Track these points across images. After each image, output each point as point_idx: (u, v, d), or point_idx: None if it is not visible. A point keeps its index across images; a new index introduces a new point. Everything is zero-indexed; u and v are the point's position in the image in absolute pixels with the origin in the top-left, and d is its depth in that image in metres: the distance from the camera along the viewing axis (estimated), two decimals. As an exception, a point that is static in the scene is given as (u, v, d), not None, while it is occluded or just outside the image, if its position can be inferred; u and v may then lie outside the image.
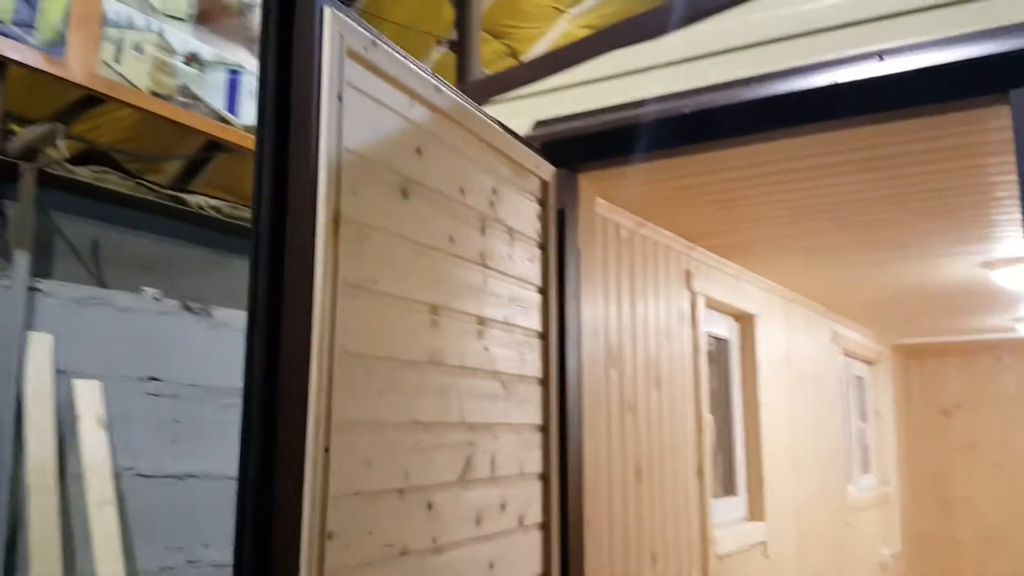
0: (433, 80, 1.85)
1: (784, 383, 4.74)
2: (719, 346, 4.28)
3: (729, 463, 4.19)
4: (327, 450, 1.46)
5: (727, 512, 3.99)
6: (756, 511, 4.21)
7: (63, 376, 3.40)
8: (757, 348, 4.39)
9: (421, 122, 1.81)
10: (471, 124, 2.00)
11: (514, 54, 8.29)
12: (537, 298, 2.29)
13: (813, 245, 3.79)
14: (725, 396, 4.26)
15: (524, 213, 2.26)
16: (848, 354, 6.25)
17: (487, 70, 7.01)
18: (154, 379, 3.78)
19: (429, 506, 1.75)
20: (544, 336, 2.31)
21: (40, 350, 3.32)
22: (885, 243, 3.78)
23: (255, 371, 1.44)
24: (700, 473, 3.57)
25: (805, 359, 5.19)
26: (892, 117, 2.21)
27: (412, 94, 1.79)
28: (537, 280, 2.29)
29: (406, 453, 1.69)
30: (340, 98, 1.55)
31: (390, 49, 1.72)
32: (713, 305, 4.03)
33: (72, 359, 3.44)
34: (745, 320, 4.40)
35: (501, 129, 2.16)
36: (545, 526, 2.21)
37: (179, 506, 3.79)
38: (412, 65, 1.79)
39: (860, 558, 5.82)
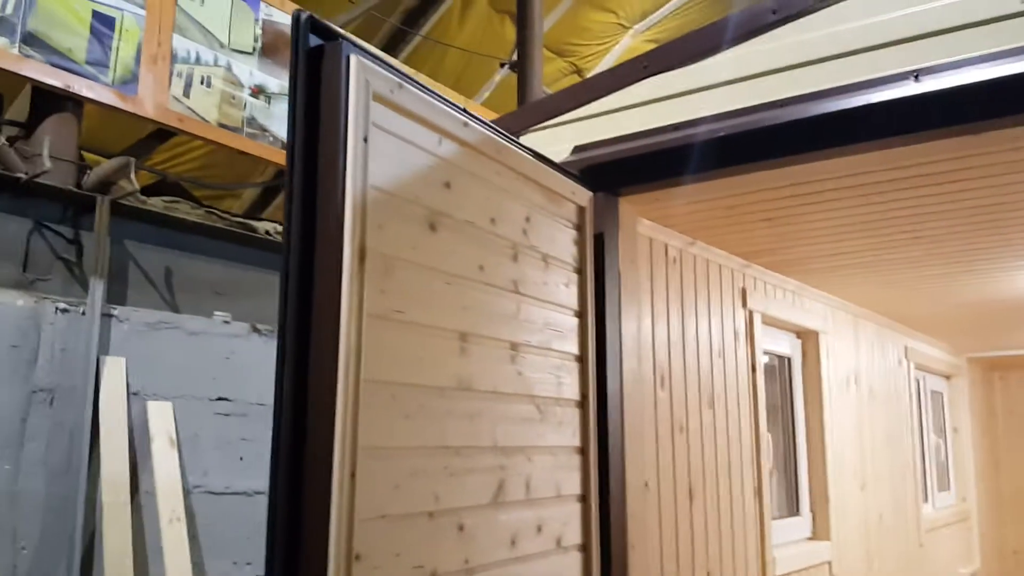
0: (462, 116, 1.92)
1: (852, 399, 4.65)
2: (781, 363, 4.23)
3: (792, 482, 4.14)
4: (353, 475, 1.53)
5: (789, 532, 3.94)
6: (820, 530, 4.14)
7: (136, 398, 3.58)
8: (821, 364, 4.32)
9: (449, 157, 1.88)
10: (501, 156, 2.06)
11: (578, 71, 8.34)
12: (574, 322, 2.33)
13: (870, 261, 3.73)
14: (788, 414, 4.21)
15: (559, 239, 2.31)
16: (922, 368, 6.09)
17: (549, 89, 7.08)
18: (223, 399, 3.94)
19: (460, 528, 1.80)
20: (582, 359, 2.34)
21: (114, 373, 3.50)
22: (949, 257, 3.70)
23: (284, 398, 1.52)
24: (758, 493, 3.54)
25: (875, 374, 5.09)
26: (941, 135, 2.18)
27: (440, 131, 1.86)
28: (574, 304, 2.33)
29: (435, 477, 1.75)
30: (366, 140, 1.63)
31: (417, 90, 1.79)
32: (772, 322, 3.99)
33: (145, 381, 3.61)
34: (808, 336, 4.34)
35: (534, 158, 2.21)
36: (585, 547, 2.24)
37: (247, 522, 3.93)
38: (440, 103, 1.86)
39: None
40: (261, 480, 4.03)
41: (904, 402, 5.52)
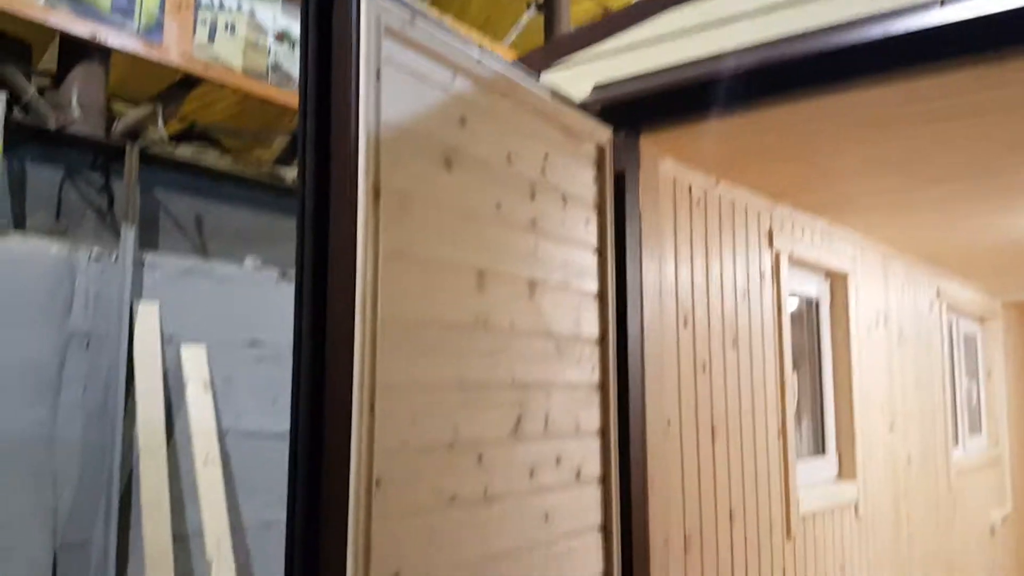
0: (476, 52, 1.91)
1: (881, 341, 4.62)
2: (810, 305, 4.21)
3: (819, 423, 4.15)
4: (372, 408, 1.56)
5: (815, 472, 3.96)
6: (847, 471, 4.15)
7: (170, 343, 3.66)
8: (850, 306, 4.29)
9: (464, 93, 1.88)
10: (518, 93, 2.05)
11: (607, 12, 8.20)
12: (593, 261, 2.34)
13: (900, 199, 3.68)
14: (815, 355, 4.20)
15: (579, 178, 2.31)
16: (955, 311, 6.02)
17: (576, 32, 6.97)
18: (255, 344, 4.01)
19: (480, 458, 1.84)
20: (602, 297, 2.35)
21: (148, 318, 3.57)
22: (982, 195, 3.63)
23: (303, 335, 1.55)
24: (782, 433, 3.55)
25: (906, 316, 5.04)
26: (968, 64, 2.13)
27: (455, 66, 1.85)
28: (593, 243, 2.34)
29: (454, 410, 1.78)
30: (378, 76, 1.63)
31: (431, 24, 1.79)
32: (799, 263, 3.96)
33: (177, 326, 3.69)
34: (836, 278, 4.31)
35: (552, 95, 2.20)
36: (604, 480, 2.28)
37: (280, 463, 4.03)
38: (454, 39, 1.85)
39: (967, 520, 5.65)
40: (293, 423, 4.12)
41: (935, 344, 5.47)
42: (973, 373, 6.45)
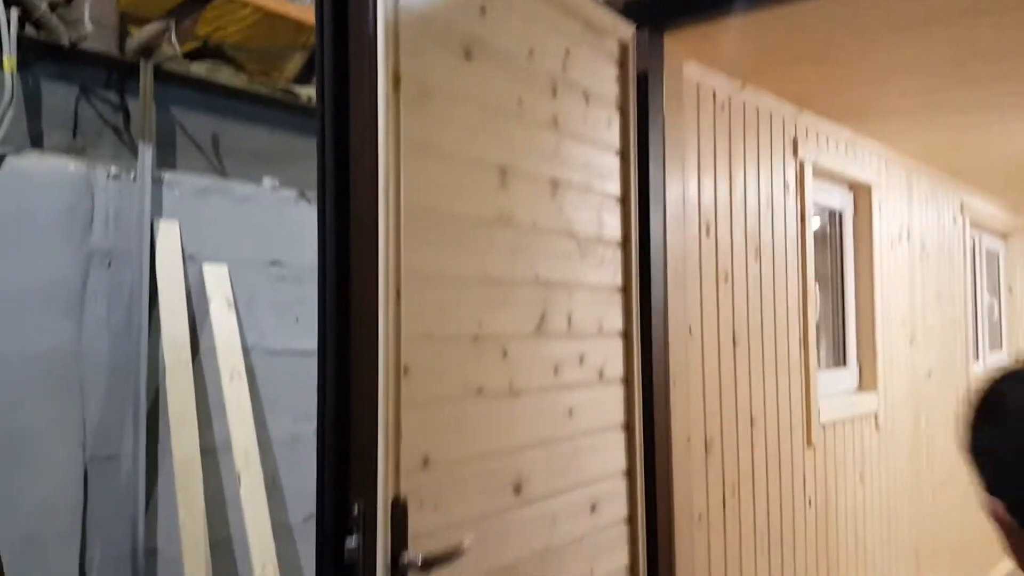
0: (495, -61, 1.86)
1: (904, 254, 4.59)
2: (832, 217, 4.17)
3: (840, 334, 4.14)
4: (398, 295, 1.56)
5: (836, 383, 3.97)
6: (867, 382, 4.16)
7: (191, 261, 3.67)
8: (873, 218, 4.25)
9: (484, -18, 1.83)
10: (538, -16, 2.00)
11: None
12: (616, 162, 2.31)
13: (932, 104, 3.60)
14: (838, 267, 4.18)
15: (601, 76, 2.26)
16: (978, 226, 5.95)
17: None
18: (276, 264, 4.02)
19: (504, 353, 1.85)
20: (624, 200, 2.33)
21: (168, 236, 3.58)
22: (1015, 104, 3.55)
23: (327, 223, 1.54)
24: (804, 343, 3.55)
25: (929, 230, 4.99)
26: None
27: (473, -46, 1.81)
28: (616, 144, 2.31)
29: (479, 305, 1.78)
30: (396, -41, 1.59)
31: (448, -92, 1.74)
32: (824, 174, 3.91)
33: (198, 245, 3.70)
34: (860, 190, 4.26)
35: (572, -11, 2.15)
36: (627, 380, 2.29)
37: (305, 380, 4.07)
38: (472, -76, 1.80)
39: (987, 435, 5.67)
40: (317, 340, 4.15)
41: (957, 260, 5.43)
42: (995, 289, 6.41)
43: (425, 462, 1.62)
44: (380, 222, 1.55)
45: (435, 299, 1.67)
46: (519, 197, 1.92)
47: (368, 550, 1.45)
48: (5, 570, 2.81)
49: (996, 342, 6.34)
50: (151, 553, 3.28)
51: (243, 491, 3.39)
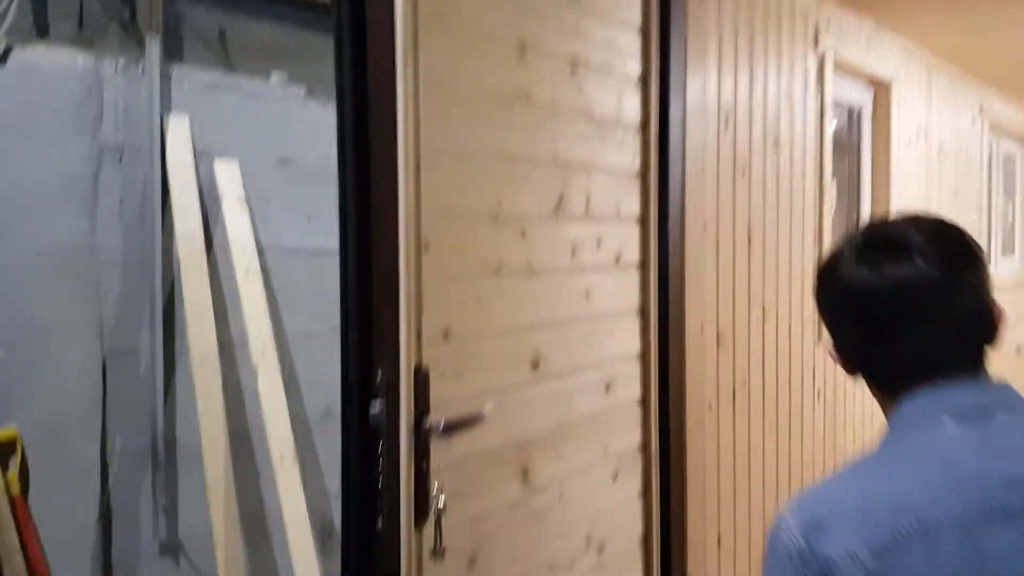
0: None
1: (921, 154, 4.53)
2: (851, 115, 4.11)
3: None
4: (418, 169, 1.55)
5: (848, 282, 3.96)
6: (880, 281, 4.15)
7: (202, 157, 3.64)
8: (892, 117, 4.18)
9: None
10: None
11: None
12: (637, 41, 2.26)
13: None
14: (855, 167, 4.14)
15: (620, -48, 2.20)
16: (997, 129, 5.86)
17: None
18: (286, 161, 3.98)
19: (523, 233, 1.84)
20: (644, 80, 2.29)
21: (179, 131, 3.55)
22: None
23: (346, 91, 1.52)
24: (819, 238, 3.54)
25: (947, 131, 4.92)
26: None
27: None
28: (637, 21, 2.25)
29: (497, 182, 1.77)
30: None
31: None
32: (844, 68, 3.83)
33: (208, 141, 3.66)
34: (880, 86, 4.18)
35: None
36: (643, 266, 2.29)
37: (320, 279, 4.07)
38: None
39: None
40: (330, 239, 4.13)
41: (974, 162, 5.36)
42: (1011, 194, 6.35)
43: (446, 335, 1.63)
44: (398, 94, 1.52)
45: (454, 175, 1.66)
46: (538, 74, 1.88)
47: (392, 415, 1.47)
48: (28, 459, 2.87)
49: (1009, 247, 6.31)
50: (171, 444, 3.35)
51: (260, 384, 3.44)
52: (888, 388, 1.08)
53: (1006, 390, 1.05)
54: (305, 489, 3.36)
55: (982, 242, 5.20)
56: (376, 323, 1.48)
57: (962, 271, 1.05)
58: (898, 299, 1.03)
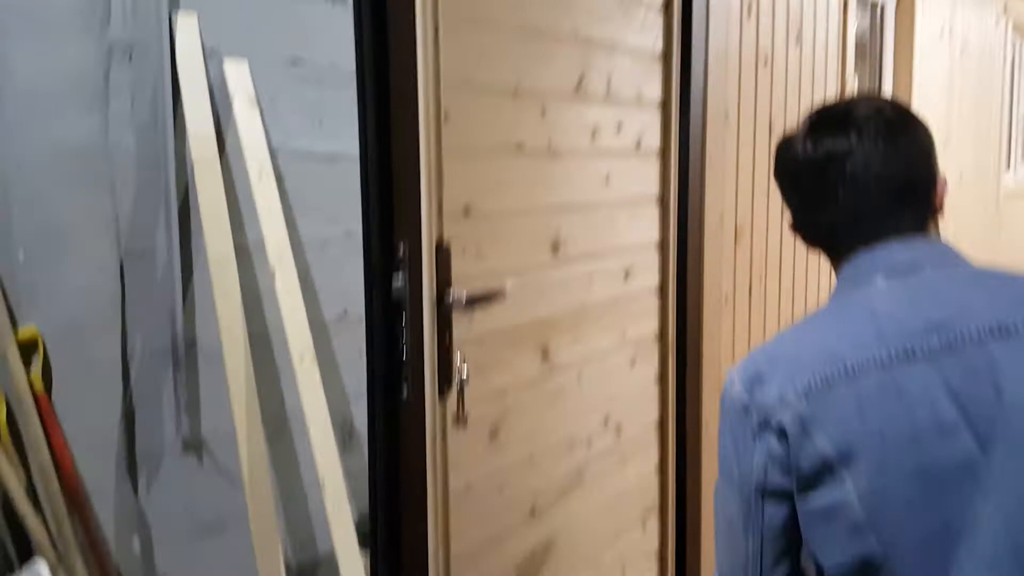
0: None
1: (944, 53, 4.43)
2: (874, 11, 4.00)
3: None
4: (436, 34, 1.51)
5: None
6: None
7: (212, 57, 3.58)
8: (915, 13, 4.08)
9: None
10: None
11: None
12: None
13: None
14: (877, 63, 4.05)
15: None
16: (1019, 30, 5.71)
17: None
18: (296, 63, 3.91)
19: (543, 111, 1.81)
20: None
21: (188, 29, 3.48)
22: None
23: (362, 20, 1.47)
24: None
25: (971, 31, 4.79)
26: None
27: None
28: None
29: (517, 57, 1.73)
30: None
31: None
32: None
33: (217, 40, 3.59)
34: (903, -18, 4.06)
35: None
36: (663, 152, 2.27)
37: (332, 185, 4.05)
38: None
39: (1013, 245, 5.66)
40: (342, 143, 4.08)
41: (997, 63, 5.24)
42: (1033, 98, 6.22)
43: (467, 211, 1.62)
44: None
45: (474, 44, 1.62)
46: (557, -56, 1.83)
47: (414, 287, 1.47)
48: (50, 356, 2.90)
49: (1029, 154, 6.22)
50: (191, 345, 3.38)
51: (278, 286, 3.45)
52: (834, 252, 1.16)
53: (940, 248, 1.11)
54: (325, 390, 3.40)
55: (1002, 147, 5.15)
56: (398, 194, 1.47)
57: (897, 143, 1.10)
58: (832, 167, 1.10)
